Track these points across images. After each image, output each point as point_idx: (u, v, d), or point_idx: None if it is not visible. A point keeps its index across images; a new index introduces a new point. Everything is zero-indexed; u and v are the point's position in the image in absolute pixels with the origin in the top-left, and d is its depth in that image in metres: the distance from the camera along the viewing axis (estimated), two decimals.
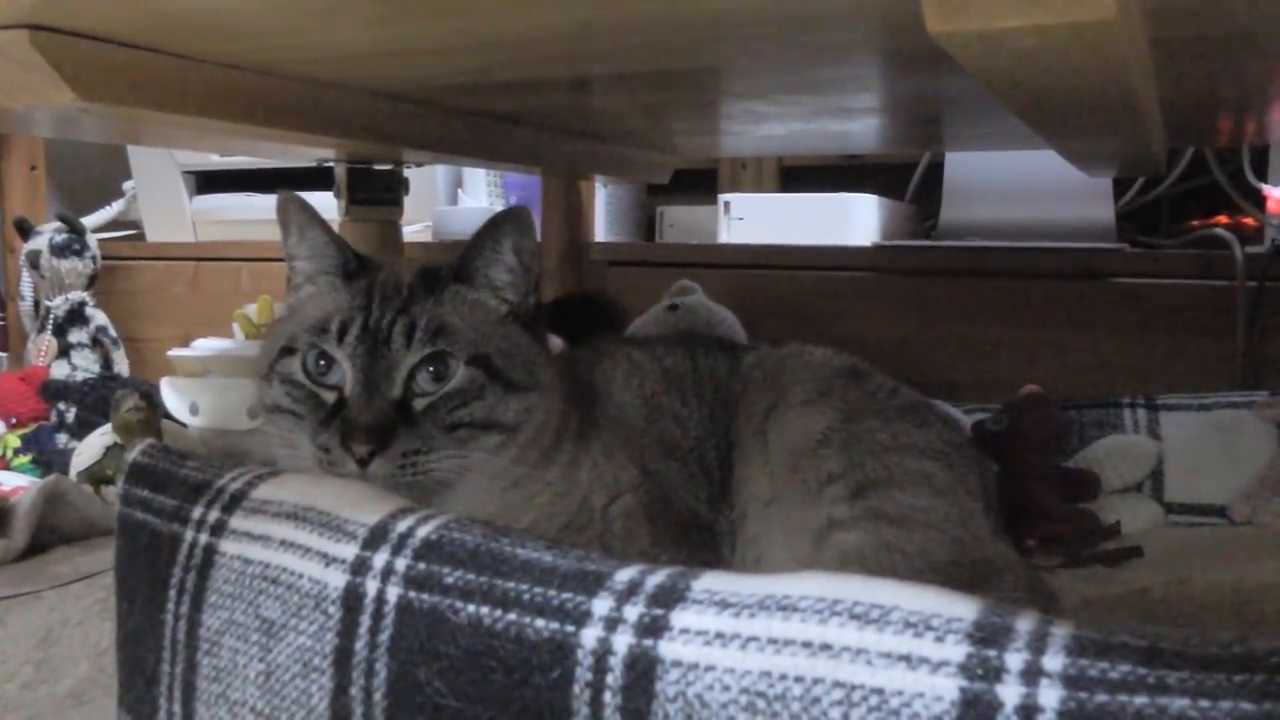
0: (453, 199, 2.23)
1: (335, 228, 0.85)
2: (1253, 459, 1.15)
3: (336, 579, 0.58)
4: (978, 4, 0.53)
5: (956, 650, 0.43)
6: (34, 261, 2.05)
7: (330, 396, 0.77)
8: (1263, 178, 1.77)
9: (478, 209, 2.15)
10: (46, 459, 1.49)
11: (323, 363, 0.78)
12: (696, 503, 0.91)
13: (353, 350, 0.76)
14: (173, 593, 0.65)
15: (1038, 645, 0.42)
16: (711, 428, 0.96)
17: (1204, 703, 0.39)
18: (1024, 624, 0.43)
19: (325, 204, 1.07)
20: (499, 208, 2.07)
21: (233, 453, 1.38)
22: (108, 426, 1.34)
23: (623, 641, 0.49)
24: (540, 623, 0.51)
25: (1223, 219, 1.87)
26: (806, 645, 0.45)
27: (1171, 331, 1.59)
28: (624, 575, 0.52)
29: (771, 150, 2.11)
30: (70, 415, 1.64)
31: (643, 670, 0.48)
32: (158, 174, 2.35)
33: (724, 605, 0.48)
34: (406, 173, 1.55)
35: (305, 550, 0.60)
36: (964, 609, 0.44)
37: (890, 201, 2.01)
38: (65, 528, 1.21)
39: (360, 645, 0.56)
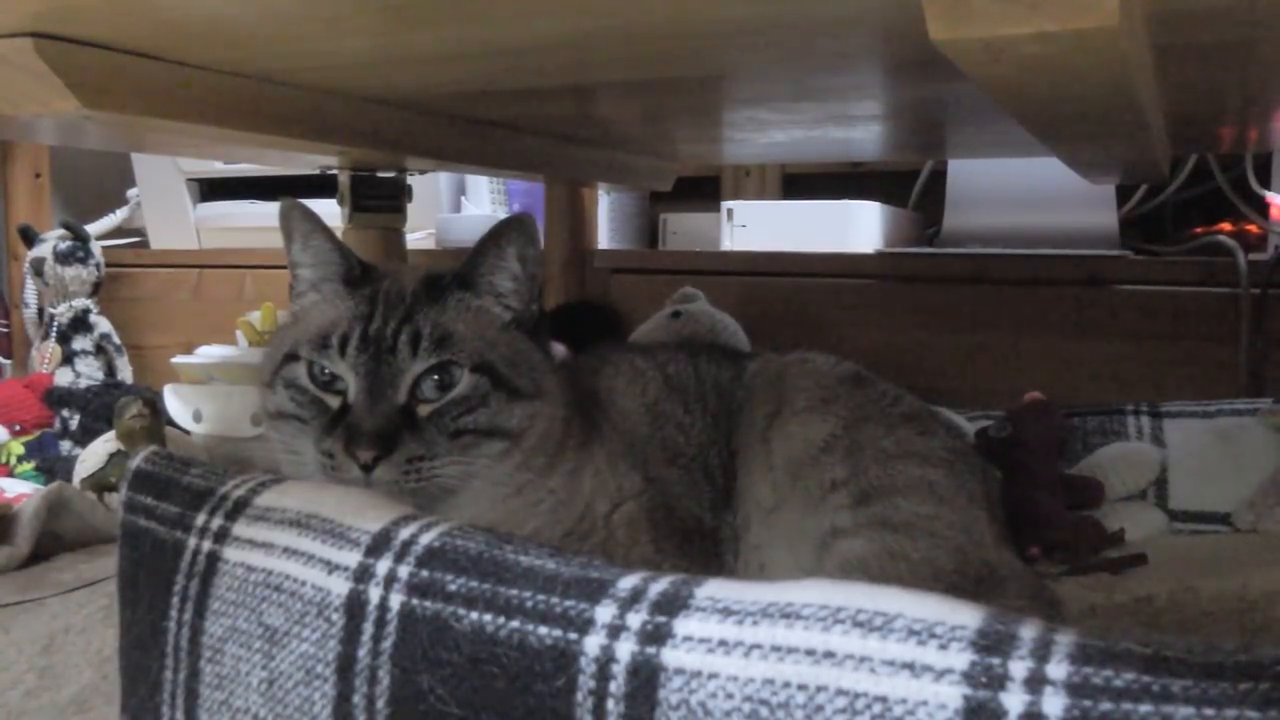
0: (456, 206, 2.23)
1: (338, 235, 0.85)
2: (1257, 466, 1.15)
3: (339, 586, 0.58)
4: (980, 11, 0.53)
5: (960, 658, 0.43)
6: (38, 269, 2.06)
7: (335, 402, 0.77)
8: (1266, 184, 1.77)
9: (481, 216, 2.15)
10: (50, 466, 1.49)
11: (327, 371, 0.78)
12: (699, 510, 0.91)
13: (355, 361, 0.76)
14: (175, 600, 0.65)
15: (1042, 653, 0.42)
16: (714, 435, 0.96)
17: (1209, 711, 0.39)
18: (1028, 632, 0.43)
19: (328, 211, 1.07)
20: (502, 215, 2.08)
21: (236, 460, 1.38)
22: (111, 433, 1.34)
23: (626, 649, 0.49)
24: (543, 630, 0.51)
25: (1226, 226, 1.87)
26: (810, 653, 0.45)
27: (1175, 338, 1.59)
28: (627, 583, 0.52)
29: (774, 157, 2.11)
30: (74, 422, 1.64)
31: (646, 678, 0.48)
32: (161, 181, 2.36)
33: (727, 613, 0.48)
34: (410, 180, 1.55)
35: (308, 557, 0.60)
36: (967, 616, 0.44)
37: (893, 209, 2.01)
38: (68, 535, 1.21)
39: (363, 652, 0.56)
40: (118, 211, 2.46)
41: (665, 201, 2.25)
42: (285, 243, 0.84)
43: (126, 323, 2.21)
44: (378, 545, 0.59)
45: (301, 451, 0.78)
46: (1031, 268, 1.69)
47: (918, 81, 1.09)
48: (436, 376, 0.77)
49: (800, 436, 0.92)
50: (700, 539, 0.90)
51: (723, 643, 0.47)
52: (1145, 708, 0.40)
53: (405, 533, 0.59)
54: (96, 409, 1.63)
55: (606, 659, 0.49)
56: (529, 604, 0.52)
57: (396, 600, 0.56)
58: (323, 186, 1.56)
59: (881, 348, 1.72)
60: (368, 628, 0.56)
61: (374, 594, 0.57)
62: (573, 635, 0.50)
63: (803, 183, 2.35)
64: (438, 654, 0.53)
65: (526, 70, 1.01)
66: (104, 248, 2.16)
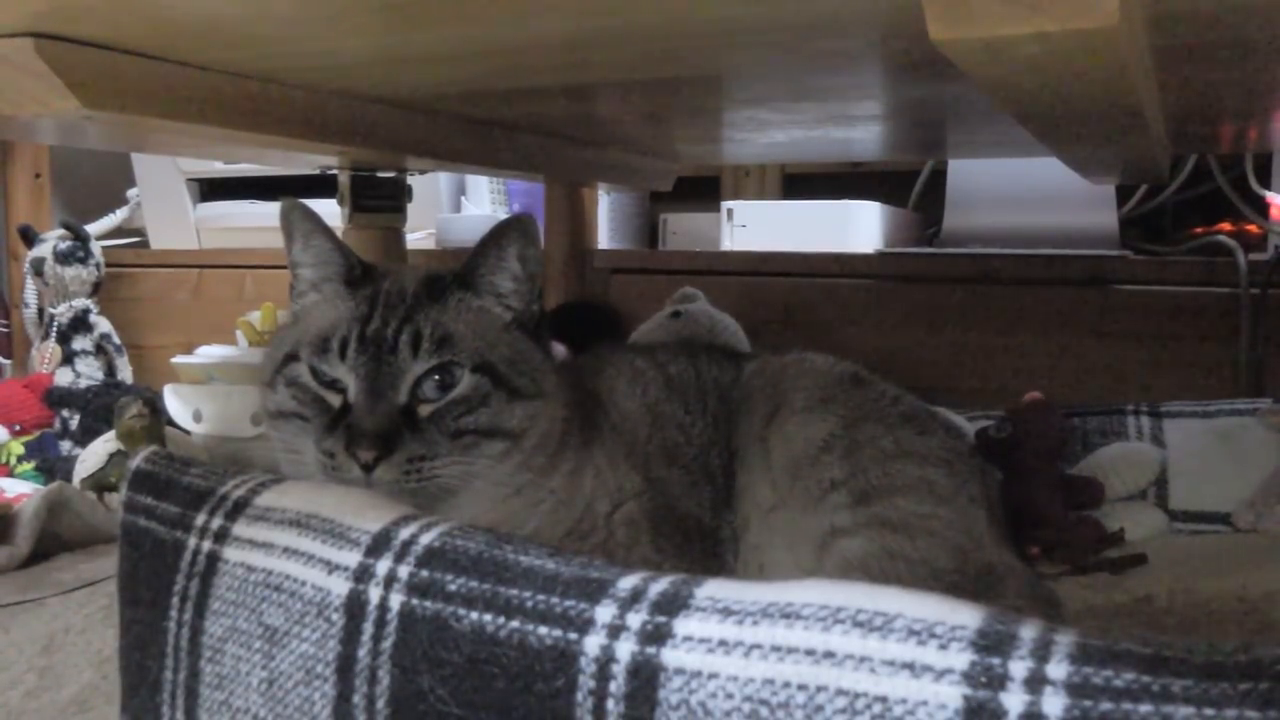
0: (456, 206, 2.23)
1: (338, 235, 0.85)
2: (1257, 466, 1.15)
3: (339, 586, 0.58)
4: (981, 11, 0.53)
5: (960, 658, 0.43)
6: (38, 269, 2.06)
7: (336, 400, 0.77)
8: (1266, 184, 1.77)
9: (481, 216, 2.15)
10: (50, 466, 1.49)
11: (327, 372, 0.78)
12: (699, 510, 0.91)
13: (355, 362, 0.76)
14: (176, 600, 0.65)
15: (1041, 653, 0.42)
16: (714, 435, 0.96)
17: (1209, 710, 0.39)
18: (1027, 632, 0.43)
19: (329, 211, 1.07)
20: (502, 215, 2.08)
21: (236, 460, 1.38)
22: (111, 433, 1.34)
23: (626, 649, 0.49)
24: (543, 630, 0.51)
25: (1226, 226, 1.87)
26: (810, 653, 0.45)
27: (1175, 338, 1.59)
28: (627, 583, 0.52)
29: (774, 157, 2.12)
30: (74, 422, 1.64)
31: (646, 678, 0.48)
32: (161, 181, 2.36)
33: (727, 613, 0.48)
34: (410, 180, 1.55)
35: (308, 557, 0.60)
36: (967, 616, 0.44)
37: (893, 209, 2.01)
38: (68, 535, 1.21)
39: (363, 652, 0.56)
40: (118, 211, 2.46)
41: (665, 201, 2.25)
42: (286, 243, 0.84)
43: (126, 323, 2.21)
44: (378, 545, 0.59)
45: (302, 451, 0.78)
46: (1031, 268, 1.69)
47: (918, 81, 1.09)
48: (437, 377, 0.77)
49: (799, 436, 0.92)
50: (700, 539, 0.90)
51: (723, 643, 0.47)
52: (1145, 708, 0.40)
53: (405, 533, 0.59)
54: (96, 409, 1.63)
55: (606, 659, 0.49)
56: (529, 604, 0.52)
57: (396, 600, 0.56)
58: (323, 186, 1.56)
59: (881, 348, 1.72)
60: (368, 628, 0.56)
61: (374, 594, 0.57)
62: (573, 635, 0.50)
63: (803, 182, 2.35)
64: (438, 654, 0.53)
65: (526, 70, 1.01)
66: (104, 248, 2.16)
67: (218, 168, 2.29)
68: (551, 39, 0.87)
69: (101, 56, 0.85)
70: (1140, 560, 1.04)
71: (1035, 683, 0.41)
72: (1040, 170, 1.71)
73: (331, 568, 0.59)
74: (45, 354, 2.04)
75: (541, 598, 0.52)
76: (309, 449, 0.77)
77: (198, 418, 1.46)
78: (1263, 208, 1.78)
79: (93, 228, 2.21)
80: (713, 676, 0.47)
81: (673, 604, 0.50)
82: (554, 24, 0.82)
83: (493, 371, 0.79)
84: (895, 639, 0.44)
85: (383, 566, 0.57)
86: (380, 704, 0.55)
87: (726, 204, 1.98)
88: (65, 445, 1.60)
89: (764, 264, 1.86)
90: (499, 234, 0.81)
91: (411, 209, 1.57)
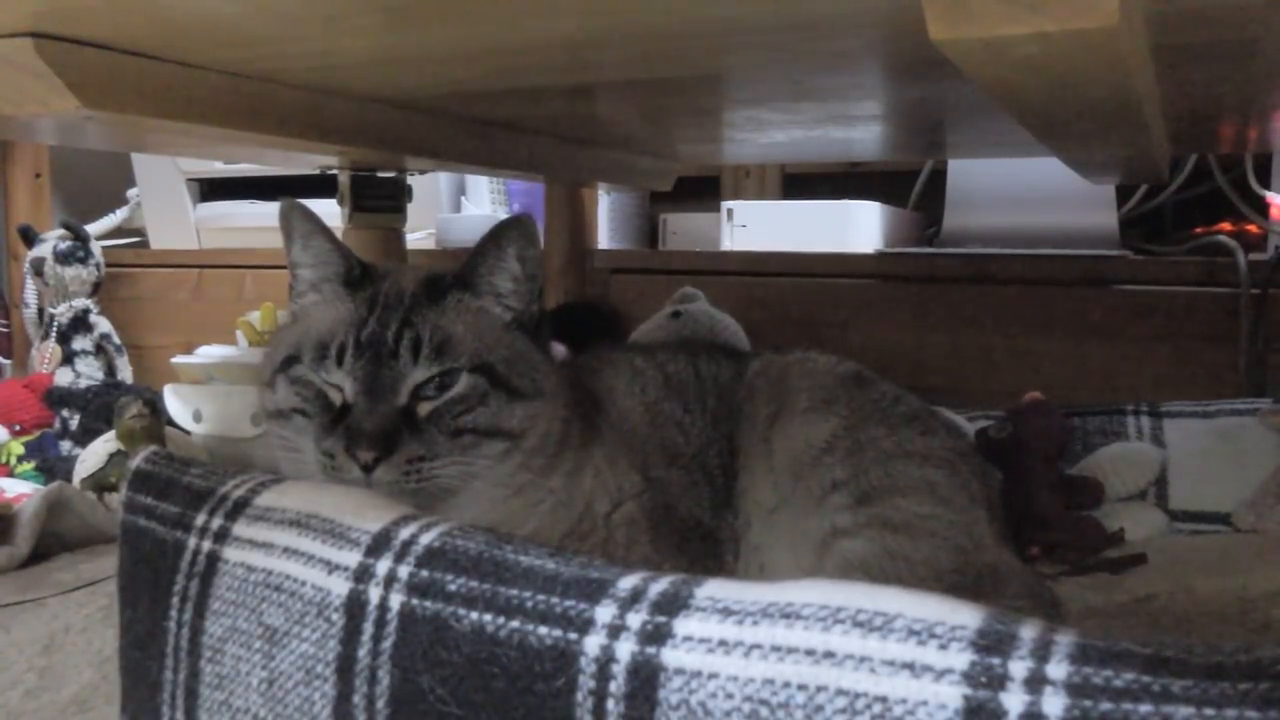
0: (456, 206, 2.23)
1: (338, 235, 0.85)
2: (1257, 466, 1.15)
3: (339, 586, 0.58)
4: (980, 11, 0.53)
5: (960, 658, 0.43)
6: (38, 269, 2.06)
7: (337, 397, 0.77)
8: (1266, 184, 1.77)
9: (481, 216, 2.15)
10: (50, 466, 1.49)
11: (326, 379, 0.78)
12: (699, 510, 0.91)
13: (353, 366, 0.76)
14: (175, 600, 0.65)
15: (1041, 653, 0.42)
16: (714, 435, 0.96)
17: (1209, 711, 0.39)
18: (1028, 632, 0.43)
19: (328, 211, 1.07)
20: (502, 215, 2.08)
21: (236, 460, 1.38)
22: (111, 434, 1.34)
23: (626, 649, 0.49)
24: (543, 630, 0.51)
25: (1226, 226, 1.87)
26: (810, 653, 0.45)
27: (1175, 338, 1.59)
28: (627, 583, 0.52)
29: (774, 157, 2.12)
30: (74, 422, 1.64)
31: (646, 678, 0.48)
32: (161, 181, 2.36)
33: (727, 613, 0.48)
34: (410, 180, 1.55)
35: (308, 557, 0.60)
36: (967, 617, 0.44)
37: (893, 209, 2.01)
38: (68, 535, 1.21)
39: (363, 652, 0.56)
40: (118, 211, 2.46)
41: (665, 201, 2.25)
42: (285, 243, 0.84)
43: (126, 323, 2.21)
44: (378, 545, 0.59)
45: (303, 450, 0.78)
46: (1031, 268, 1.69)
47: (918, 81, 1.09)
48: (437, 379, 0.77)
49: (801, 437, 0.92)
50: (700, 539, 0.90)
51: (723, 643, 0.47)
52: (1145, 708, 0.40)
53: (405, 533, 0.59)
54: (96, 409, 1.62)
55: (606, 659, 0.49)
56: (529, 604, 0.52)
57: (396, 600, 0.56)
58: (323, 186, 1.56)
59: (881, 348, 1.72)
60: (368, 628, 0.56)
61: (374, 594, 0.57)
62: (573, 635, 0.50)
63: (803, 183, 2.35)
64: (438, 654, 0.53)
65: (526, 70, 1.01)
66: (104, 248, 2.16)
67: (218, 168, 2.29)
68: (551, 39, 0.87)
69: (101, 56, 0.85)
70: (1140, 560, 1.04)
71: (1035, 683, 0.41)
72: (1040, 170, 1.71)
73: (331, 568, 0.59)
74: (45, 354, 2.04)
75: (541, 598, 0.52)
76: (310, 448, 0.77)
77: (198, 418, 1.46)
78: (1263, 208, 1.78)
79: (93, 228, 2.21)
80: (713, 676, 0.47)
81: (673, 604, 0.50)
82: (554, 24, 0.82)
83: (491, 372, 0.79)
84: (895, 639, 0.44)
85: (383, 566, 0.57)
86: (380, 704, 0.55)
87: (726, 204, 1.98)
88: (65, 445, 1.60)
89: (764, 264, 1.86)
90: (498, 234, 0.81)
91: (411, 209, 1.57)
